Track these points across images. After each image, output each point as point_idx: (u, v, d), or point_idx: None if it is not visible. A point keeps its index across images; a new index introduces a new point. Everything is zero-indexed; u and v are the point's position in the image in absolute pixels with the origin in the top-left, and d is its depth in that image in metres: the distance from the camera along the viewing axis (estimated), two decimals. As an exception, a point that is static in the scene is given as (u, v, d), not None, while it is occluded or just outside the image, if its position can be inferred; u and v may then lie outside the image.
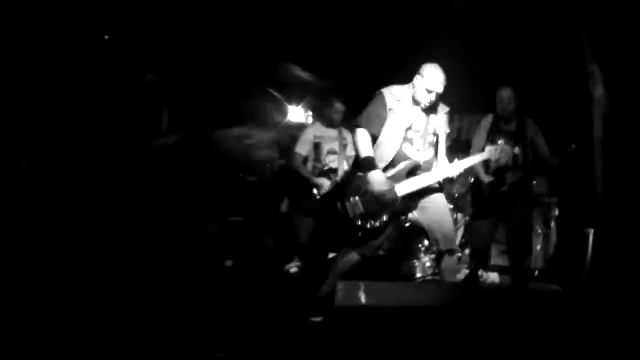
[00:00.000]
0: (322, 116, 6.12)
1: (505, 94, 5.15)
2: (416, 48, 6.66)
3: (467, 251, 6.11)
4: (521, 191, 5.08)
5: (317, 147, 5.89)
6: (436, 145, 4.21)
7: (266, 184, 7.02)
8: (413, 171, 4.09)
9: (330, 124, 5.92)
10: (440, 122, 4.19)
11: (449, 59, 6.20)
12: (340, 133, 5.88)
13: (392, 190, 3.99)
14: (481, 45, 6.25)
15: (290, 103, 8.53)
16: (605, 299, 3.91)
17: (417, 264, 5.77)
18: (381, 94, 4.13)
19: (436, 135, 4.20)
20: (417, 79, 4.07)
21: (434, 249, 4.18)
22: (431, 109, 4.13)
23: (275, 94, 8.41)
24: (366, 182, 3.98)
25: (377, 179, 3.95)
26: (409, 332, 3.11)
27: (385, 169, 4.06)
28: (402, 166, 4.07)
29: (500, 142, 4.65)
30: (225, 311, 4.36)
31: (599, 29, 4.03)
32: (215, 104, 7.01)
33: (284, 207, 6.80)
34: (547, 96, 6.29)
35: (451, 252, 4.07)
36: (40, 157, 4.71)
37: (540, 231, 6.39)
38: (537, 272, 6.19)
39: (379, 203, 3.98)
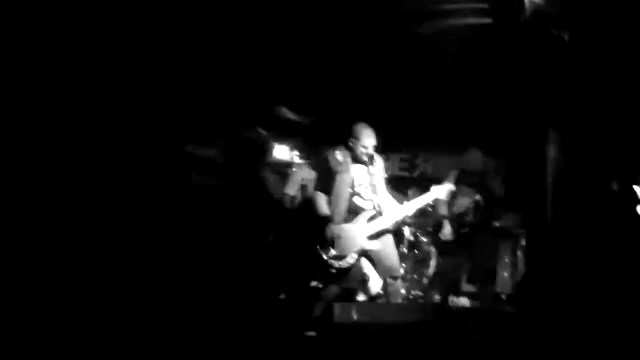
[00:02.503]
0: (309, 160, 6.73)
1: (476, 155, 5.86)
2: (396, 90, 7.36)
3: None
4: (483, 229, 5.75)
5: (303, 188, 6.48)
6: (380, 191, 5.00)
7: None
8: (372, 218, 4.89)
9: None
10: (378, 169, 5.03)
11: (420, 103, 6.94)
12: None
13: (356, 234, 4.79)
14: (453, 94, 6.92)
15: (275, 141, 9.15)
16: (558, 319, 4.62)
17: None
18: (326, 158, 4.95)
19: (377, 182, 5.00)
20: (352, 142, 4.89)
21: (382, 276, 4.90)
22: (369, 160, 4.93)
23: (262, 131, 9.00)
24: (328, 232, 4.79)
25: (333, 232, 4.76)
26: (393, 343, 3.77)
27: (347, 220, 4.85)
28: (363, 215, 4.87)
29: (447, 183, 5.30)
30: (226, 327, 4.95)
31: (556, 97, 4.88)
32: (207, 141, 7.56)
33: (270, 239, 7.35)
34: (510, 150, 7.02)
35: (395, 278, 4.89)
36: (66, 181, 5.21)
37: (507, 260, 7.06)
38: (504, 297, 6.87)
39: (346, 245, 4.75)
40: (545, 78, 4.91)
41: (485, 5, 5.10)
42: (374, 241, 4.82)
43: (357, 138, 4.85)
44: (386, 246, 4.88)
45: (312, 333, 4.76)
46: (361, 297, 6.23)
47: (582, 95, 4.84)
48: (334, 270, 4.77)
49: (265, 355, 4.28)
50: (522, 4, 4.67)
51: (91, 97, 5.51)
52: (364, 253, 4.84)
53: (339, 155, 4.91)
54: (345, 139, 4.93)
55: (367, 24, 5.80)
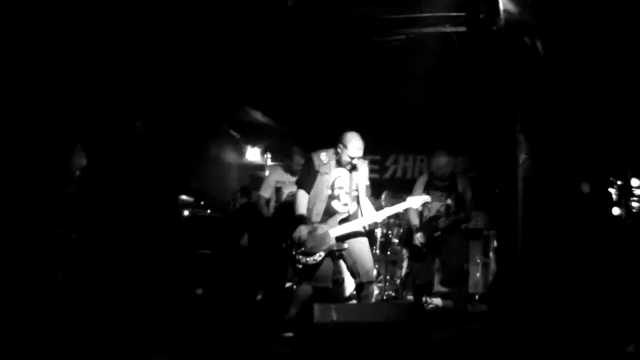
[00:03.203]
0: (282, 162, 6.77)
1: (442, 159, 5.90)
2: (372, 96, 7.48)
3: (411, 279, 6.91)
4: (454, 231, 5.85)
5: (278, 190, 6.50)
6: (360, 197, 5.07)
7: (230, 220, 7.62)
8: (344, 220, 4.96)
9: (290, 172, 6.51)
10: (361, 175, 5.09)
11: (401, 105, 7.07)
12: None
13: (326, 233, 4.85)
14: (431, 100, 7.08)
15: (248, 144, 9.22)
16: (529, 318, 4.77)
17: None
18: (310, 157, 5.04)
19: (358, 188, 5.06)
20: (340, 148, 4.94)
21: (356, 280, 4.97)
22: (353, 167, 5.00)
23: (235, 134, 9.06)
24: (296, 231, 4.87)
25: (302, 232, 4.83)
26: (370, 341, 3.84)
27: (321, 220, 4.92)
28: (335, 217, 4.93)
29: (423, 195, 5.40)
30: (203, 330, 5.01)
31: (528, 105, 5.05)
32: (183, 144, 7.58)
33: (244, 242, 7.41)
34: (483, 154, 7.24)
35: (370, 283, 4.93)
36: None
37: (479, 260, 7.23)
38: (477, 296, 7.02)
39: (316, 243, 4.82)
40: (517, 83, 5.07)
41: (461, 14, 5.21)
42: (343, 242, 4.88)
43: (345, 146, 4.89)
44: (362, 249, 4.96)
45: (289, 334, 4.84)
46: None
47: (554, 98, 5.01)
48: (300, 266, 4.83)
49: (244, 356, 4.36)
50: (497, 13, 4.81)
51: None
52: (332, 253, 4.90)
53: (324, 156, 4.99)
54: (334, 142, 4.98)
55: (340, 31, 5.85)
